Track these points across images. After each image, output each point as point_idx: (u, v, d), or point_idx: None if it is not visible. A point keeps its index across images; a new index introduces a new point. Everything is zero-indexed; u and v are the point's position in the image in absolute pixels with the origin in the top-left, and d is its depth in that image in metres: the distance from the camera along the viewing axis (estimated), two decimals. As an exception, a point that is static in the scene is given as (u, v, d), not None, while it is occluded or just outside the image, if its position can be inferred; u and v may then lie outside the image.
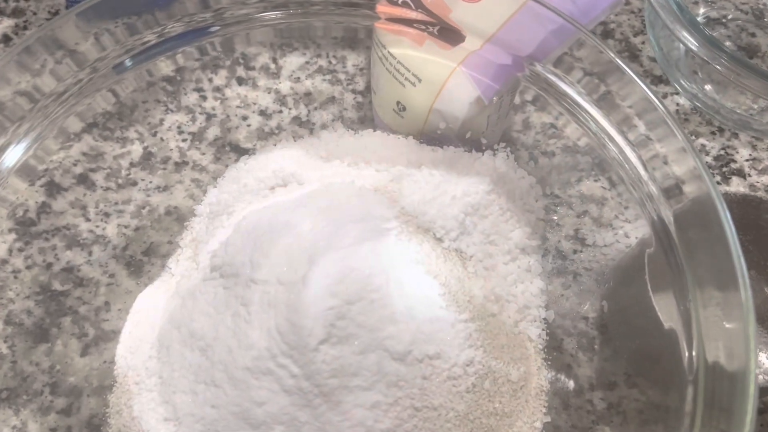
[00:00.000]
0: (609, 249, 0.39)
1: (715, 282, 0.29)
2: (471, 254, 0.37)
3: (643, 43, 0.52)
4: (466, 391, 0.33)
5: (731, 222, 0.29)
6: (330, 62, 0.46)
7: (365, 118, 0.45)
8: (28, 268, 0.38)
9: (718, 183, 0.46)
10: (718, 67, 0.41)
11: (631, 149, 0.35)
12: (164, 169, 0.42)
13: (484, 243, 0.37)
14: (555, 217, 0.41)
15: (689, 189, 0.31)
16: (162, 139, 0.43)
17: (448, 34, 0.37)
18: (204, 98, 0.44)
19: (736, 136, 0.48)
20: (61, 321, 0.38)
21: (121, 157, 0.42)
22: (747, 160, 0.47)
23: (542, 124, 0.43)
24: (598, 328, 0.38)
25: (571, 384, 0.37)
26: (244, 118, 0.44)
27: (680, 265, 0.31)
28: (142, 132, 0.42)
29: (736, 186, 0.46)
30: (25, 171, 0.38)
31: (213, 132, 0.44)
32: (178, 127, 0.43)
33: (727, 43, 0.51)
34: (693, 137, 0.48)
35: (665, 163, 0.33)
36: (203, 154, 0.43)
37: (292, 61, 0.45)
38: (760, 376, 0.37)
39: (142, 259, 0.40)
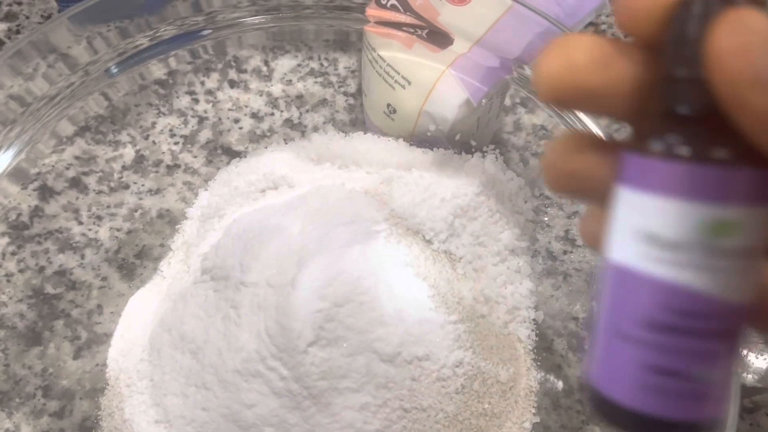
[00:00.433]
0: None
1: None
2: (460, 256, 0.37)
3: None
4: (456, 392, 0.33)
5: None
6: (321, 65, 0.46)
7: (356, 121, 0.45)
8: (20, 271, 0.39)
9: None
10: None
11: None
12: (156, 172, 0.43)
13: (473, 245, 0.37)
14: (545, 218, 0.41)
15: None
16: (154, 142, 0.43)
17: (437, 37, 0.37)
18: (196, 101, 0.44)
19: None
20: (53, 324, 0.38)
21: (114, 160, 0.42)
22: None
23: (532, 125, 0.43)
24: (588, 328, 0.38)
25: (561, 384, 0.37)
26: (236, 120, 0.45)
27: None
28: (134, 135, 0.43)
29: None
30: (17, 175, 0.38)
31: (205, 135, 0.44)
32: (170, 131, 0.43)
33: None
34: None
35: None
36: (195, 157, 0.43)
37: (284, 64, 0.46)
38: (750, 376, 0.37)
39: (134, 262, 0.41)
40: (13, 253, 0.39)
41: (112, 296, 0.39)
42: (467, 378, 0.33)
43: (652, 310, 0.15)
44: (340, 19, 0.42)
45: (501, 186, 0.39)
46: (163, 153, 0.43)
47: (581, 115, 0.37)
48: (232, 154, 0.44)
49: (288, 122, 0.45)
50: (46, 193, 0.40)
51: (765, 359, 0.37)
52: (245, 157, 0.43)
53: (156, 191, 0.42)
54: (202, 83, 0.45)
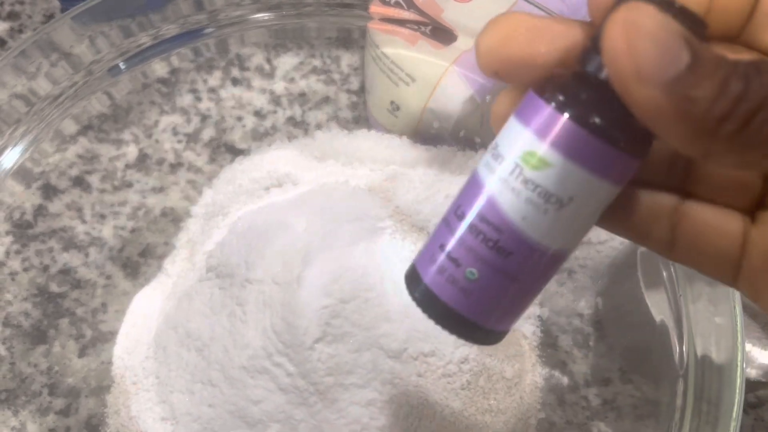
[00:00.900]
0: (603, 246, 0.39)
1: (704, 277, 0.29)
2: (465, 252, 0.37)
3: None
4: (461, 388, 0.33)
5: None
6: (324, 62, 0.46)
7: (360, 118, 0.45)
8: (25, 270, 0.39)
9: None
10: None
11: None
12: (159, 170, 0.43)
13: (478, 241, 0.37)
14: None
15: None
16: (157, 140, 0.43)
17: (441, 34, 0.38)
18: (199, 99, 0.44)
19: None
20: (58, 322, 0.38)
21: (117, 159, 0.42)
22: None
23: (535, 122, 0.43)
24: (592, 324, 0.38)
25: (566, 380, 0.37)
26: (239, 118, 0.45)
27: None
28: (137, 134, 0.43)
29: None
30: (21, 174, 0.38)
31: (208, 133, 0.44)
32: (173, 129, 0.44)
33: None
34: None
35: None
36: (198, 155, 0.43)
37: (287, 62, 0.46)
38: (753, 371, 0.37)
39: (138, 260, 0.41)
40: (18, 252, 0.39)
41: (117, 294, 0.39)
42: (473, 374, 0.33)
43: (464, 203, 0.18)
44: (342, 16, 0.42)
45: (505, 182, 0.39)
46: (166, 151, 0.43)
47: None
48: (236, 152, 0.44)
49: (291, 120, 0.45)
50: (49, 192, 0.40)
51: (769, 354, 0.37)
52: (249, 155, 0.43)
53: (159, 189, 0.42)
54: (205, 81, 0.45)
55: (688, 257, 0.18)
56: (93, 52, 0.38)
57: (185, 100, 0.44)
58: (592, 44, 0.16)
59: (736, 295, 0.27)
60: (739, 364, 0.27)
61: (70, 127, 0.40)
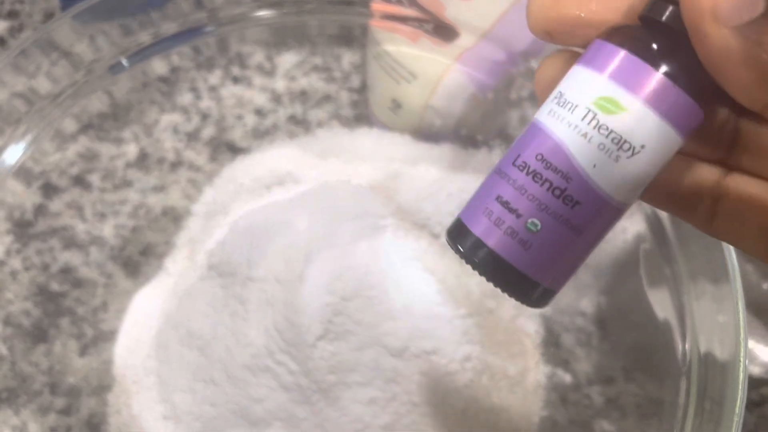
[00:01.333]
0: (606, 244, 0.39)
1: (708, 274, 0.29)
2: (467, 250, 0.37)
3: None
4: (464, 386, 0.33)
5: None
6: (325, 60, 0.46)
7: (361, 116, 0.45)
8: (26, 269, 0.39)
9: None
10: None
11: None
12: (160, 169, 0.43)
13: (480, 239, 0.37)
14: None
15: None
16: (157, 139, 0.43)
17: (443, 31, 0.37)
18: (199, 98, 0.44)
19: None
20: (59, 322, 0.38)
21: (117, 157, 0.42)
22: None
23: (537, 120, 0.43)
24: (596, 323, 0.38)
25: (569, 379, 0.37)
26: (240, 117, 0.45)
27: (674, 258, 0.31)
28: (137, 132, 0.43)
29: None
30: (21, 173, 0.38)
31: (208, 132, 0.44)
32: (174, 127, 0.43)
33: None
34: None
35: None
36: (199, 153, 0.43)
37: (287, 60, 0.46)
38: (756, 369, 0.37)
39: (139, 259, 0.41)
40: (18, 251, 0.39)
41: (118, 294, 0.39)
42: (475, 372, 0.33)
43: (526, 152, 0.17)
44: (343, 13, 0.42)
45: (507, 180, 0.39)
46: (167, 150, 0.43)
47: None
48: (236, 151, 0.44)
49: (292, 118, 0.45)
50: (50, 191, 0.40)
51: (773, 352, 0.37)
52: (250, 153, 0.43)
53: (160, 188, 0.42)
54: (205, 80, 0.45)
55: (728, 232, 0.18)
56: (93, 51, 0.38)
57: (186, 98, 0.44)
58: None
59: (740, 293, 0.27)
60: (742, 361, 0.27)
61: (70, 126, 0.40)
